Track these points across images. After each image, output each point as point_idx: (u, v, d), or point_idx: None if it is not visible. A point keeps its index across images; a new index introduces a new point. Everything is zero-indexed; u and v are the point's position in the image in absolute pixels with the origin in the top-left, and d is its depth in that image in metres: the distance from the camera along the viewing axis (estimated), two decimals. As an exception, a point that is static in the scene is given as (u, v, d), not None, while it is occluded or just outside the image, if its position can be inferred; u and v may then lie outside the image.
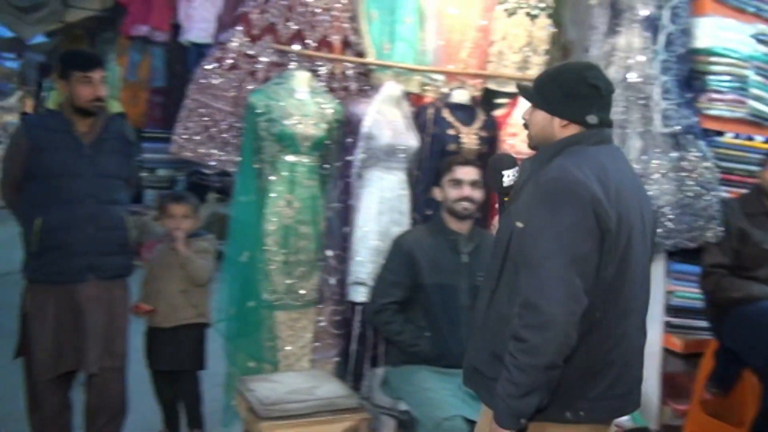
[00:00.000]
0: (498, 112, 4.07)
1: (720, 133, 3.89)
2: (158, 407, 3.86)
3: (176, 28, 7.08)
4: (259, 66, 3.56)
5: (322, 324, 3.73)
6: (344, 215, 3.72)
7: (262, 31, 3.57)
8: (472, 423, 2.68)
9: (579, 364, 2.05)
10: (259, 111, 3.45)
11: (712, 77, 3.79)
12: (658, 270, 3.75)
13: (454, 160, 3.47)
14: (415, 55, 3.87)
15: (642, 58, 3.63)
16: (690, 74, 3.76)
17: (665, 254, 3.85)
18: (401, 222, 3.70)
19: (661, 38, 3.67)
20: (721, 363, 3.63)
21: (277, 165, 3.56)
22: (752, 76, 3.85)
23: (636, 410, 2.26)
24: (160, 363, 3.75)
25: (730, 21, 3.83)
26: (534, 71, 3.92)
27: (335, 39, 3.77)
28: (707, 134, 3.81)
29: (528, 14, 3.99)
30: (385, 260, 3.43)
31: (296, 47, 3.66)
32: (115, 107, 3.46)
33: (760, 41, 3.91)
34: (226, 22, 3.76)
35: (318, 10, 3.69)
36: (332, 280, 3.69)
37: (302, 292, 3.67)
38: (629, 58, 3.64)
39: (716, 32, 3.78)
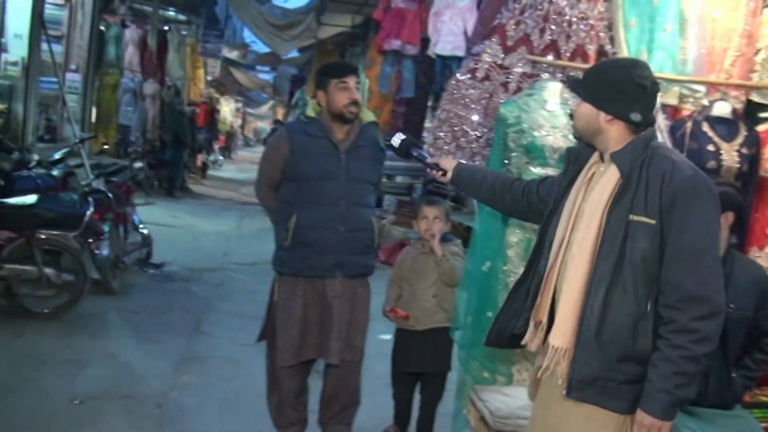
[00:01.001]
0: (761, 127, 3.71)
1: None
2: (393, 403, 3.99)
3: (425, 42, 7.38)
4: (512, 77, 3.54)
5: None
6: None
7: (516, 42, 3.56)
8: None
9: None
10: (509, 122, 3.41)
11: None
12: None
13: None
14: (674, 64, 3.65)
15: None
16: None
17: None
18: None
19: None
20: None
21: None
22: None
23: None
24: (406, 364, 3.87)
25: None
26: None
27: (590, 48, 3.65)
28: None
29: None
30: None
31: (550, 58, 3.59)
32: (369, 116, 3.57)
33: None
34: (480, 33, 3.77)
35: (574, 20, 3.60)
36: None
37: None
38: None
39: None
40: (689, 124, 3.59)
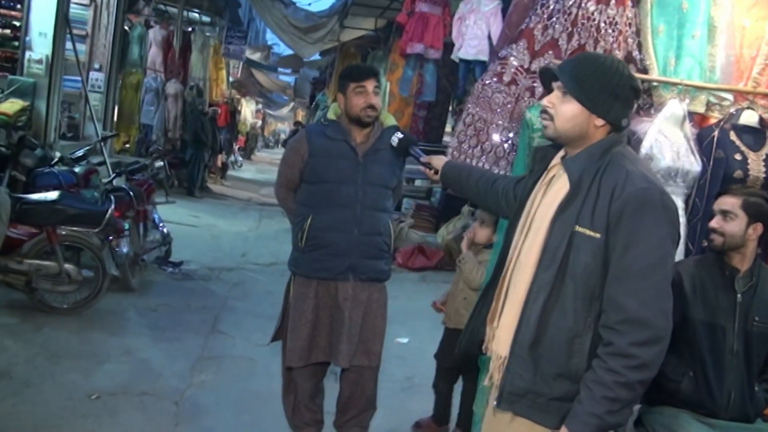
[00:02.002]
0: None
1: None
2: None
3: (447, 46, 7.38)
4: (538, 81, 3.50)
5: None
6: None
7: (543, 46, 3.53)
8: None
9: None
10: (535, 126, 3.37)
11: None
12: None
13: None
14: (702, 71, 3.60)
15: None
16: None
17: None
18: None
19: None
20: None
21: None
22: None
23: None
24: (446, 360, 4.01)
25: None
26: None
27: (618, 54, 3.60)
28: None
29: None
30: None
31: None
32: (390, 120, 3.56)
33: None
34: (507, 37, 3.75)
35: (602, 25, 3.56)
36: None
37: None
38: None
39: None
40: (716, 133, 3.54)
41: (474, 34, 6.33)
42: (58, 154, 7.39)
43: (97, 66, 11.91)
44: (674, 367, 2.95)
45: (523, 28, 3.54)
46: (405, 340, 5.74)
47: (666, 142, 3.39)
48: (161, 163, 8.25)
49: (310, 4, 12.69)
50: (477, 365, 3.87)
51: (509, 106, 3.52)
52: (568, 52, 3.53)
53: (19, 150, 6.62)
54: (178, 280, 7.19)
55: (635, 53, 3.63)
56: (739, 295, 2.94)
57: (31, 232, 5.39)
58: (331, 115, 3.51)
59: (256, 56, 19.71)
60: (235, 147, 22.80)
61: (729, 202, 2.99)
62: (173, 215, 9.30)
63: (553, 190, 2.15)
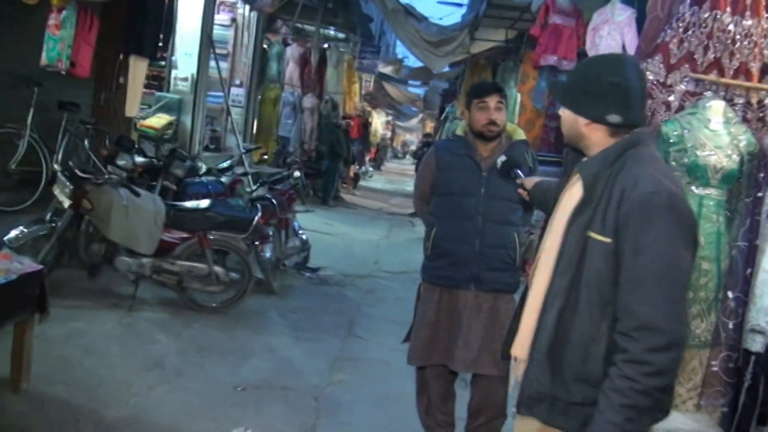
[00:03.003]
0: None
1: None
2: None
3: (580, 56, 7.32)
4: (674, 95, 3.50)
5: (714, 369, 3.50)
6: (749, 255, 3.43)
7: (679, 60, 3.52)
8: None
9: None
10: (671, 140, 3.39)
11: None
12: None
13: None
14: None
15: None
16: None
17: None
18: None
19: None
20: None
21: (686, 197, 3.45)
22: None
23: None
24: None
25: None
26: None
27: (753, 66, 3.55)
28: None
29: None
30: None
31: (713, 76, 3.53)
32: (519, 134, 3.65)
33: None
34: (643, 52, 3.76)
35: (738, 37, 3.52)
36: (730, 324, 3.44)
37: (697, 331, 3.51)
38: None
39: None
40: None
41: (608, 45, 6.26)
42: (203, 165, 7.96)
43: (238, 82, 12.65)
44: None
45: (659, 42, 3.54)
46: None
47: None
48: (298, 174, 8.67)
49: (441, 19, 12.88)
50: None
51: (645, 120, 3.51)
52: (704, 66, 3.51)
53: (170, 161, 7.22)
54: (315, 284, 7.55)
55: (773, 64, 3.56)
56: None
57: (184, 236, 5.84)
58: (459, 131, 3.67)
59: (387, 69, 20.15)
60: (367, 158, 23.38)
61: None
62: (309, 223, 9.72)
63: (569, 195, 2.19)
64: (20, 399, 3.81)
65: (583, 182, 2.11)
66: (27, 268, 3.87)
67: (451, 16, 13.38)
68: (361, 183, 20.24)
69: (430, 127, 31.11)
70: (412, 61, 19.53)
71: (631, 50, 5.87)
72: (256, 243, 6.13)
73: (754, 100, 3.60)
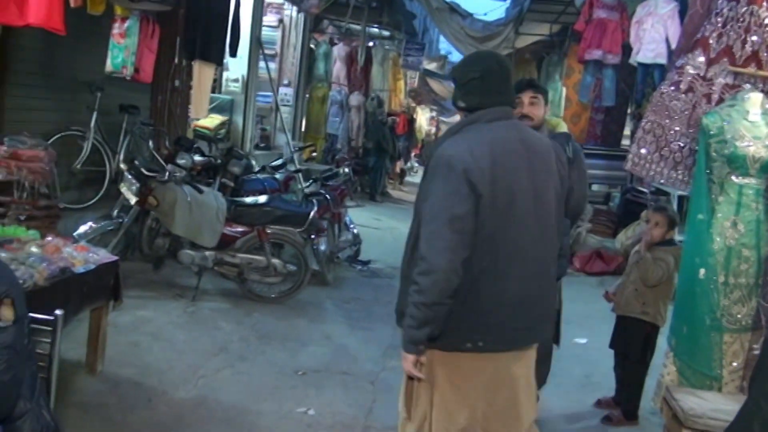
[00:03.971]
0: None
1: None
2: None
3: (625, 49, 7.40)
4: (714, 88, 3.63)
5: (755, 352, 3.62)
6: (789, 241, 3.55)
7: (718, 53, 3.64)
8: None
9: (473, 305, 2.49)
10: (711, 132, 3.51)
11: None
12: None
13: None
14: None
15: None
16: None
17: None
18: None
19: None
20: None
21: (724, 186, 3.59)
22: None
23: (548, 342, 2.79)
24: (612, 342, 4.43)
25: None
26: None
27: (788, 59, 3.65)
28: None
29: None
30: None
31: (752, 68, 3.64)
32: (562, 127, 3.81)
33: None
34: (683, 47, 3.88)
35: (774, 30, 3.62)
36: (770, 307, 3.56)
37: (738, 315, 3.64)
38: None
39: None
40: None
41: (652, 37, 6.35)
42: (255, 163, 8.27)
43: (286, 82, 12.97)
44: None
45: (699, 37, 3.66)
46: (583, 341, 5.91)
47: None
48: (347, 170, 8.91)
49: (486, 14, 12.97)
50: (633, 354, 4.18)
51: (687, 113, 3.65)
52: (742, 59, 3.63)
53: (228, 160, 7.53)
54: (366, 276, 7.80)
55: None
56: None
57: (244, 230, 6.12)
58: None
59: (432, 66, 20.25)
60: (412, 154, 23.55)
61: None
62: (358, 218, 9.93)
63: None
64: (96, 380, 4.11)
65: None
66: (103, 258, 4.16)
67: (495, 12, 13.42)
68: (407, 178, 20.44)
69: (474, 122, 30.96)
70: (456, 57, 19.57)
71: (674, 42, 5.94)
72: (312, 236, 6.39)
73: (791, 92, 3.69)
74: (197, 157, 7.29)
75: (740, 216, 3.57)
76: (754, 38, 3.63)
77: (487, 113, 2.60)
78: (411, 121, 21.44)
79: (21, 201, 5.24)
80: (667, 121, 3.68)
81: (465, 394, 2.60)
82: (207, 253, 5.95)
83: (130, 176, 5.84)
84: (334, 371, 4.81)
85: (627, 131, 11.92)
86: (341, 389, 4.51)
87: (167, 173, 5.95)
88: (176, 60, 7.43)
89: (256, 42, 10.23)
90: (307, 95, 13.99)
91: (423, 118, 30.26)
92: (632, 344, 4.22)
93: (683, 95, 3.66)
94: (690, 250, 3.75)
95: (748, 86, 3.63)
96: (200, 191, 5.95)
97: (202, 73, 6.51)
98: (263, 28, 11.04)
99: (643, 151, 3.72)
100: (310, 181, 8.01)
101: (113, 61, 6.45)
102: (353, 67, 14.76)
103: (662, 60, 6.45)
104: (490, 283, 2.51)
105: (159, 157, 6.77)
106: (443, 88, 26.29)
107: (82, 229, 5.56)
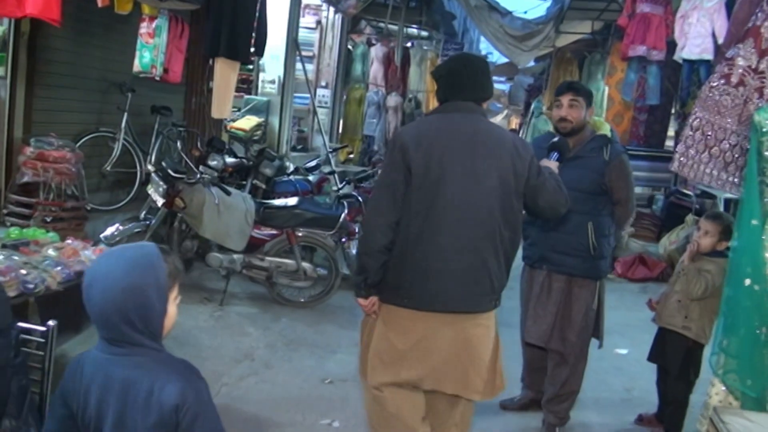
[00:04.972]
0: None
1: None
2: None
3: (669, 46, 7.10)
4: (767, 81, 3.35)
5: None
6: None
7: (772, 44, 3.37)
8: None
9: (404, 266, 2.87)
10: (764, 129, 3.22)
11: None
12: None
13: None
14: None
15: None
16: None
17: None
18: None
19: None
20: None
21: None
22: None
23: (463, 309, 2.92)
24: (651, 354, 4.18)
25: None
26: None
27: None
28: None
29: None
30: None
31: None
32: (605, 128, 3.73)
33: None
34: (734, 37, 3.62)
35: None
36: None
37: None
38: None
39: None
40: None
41: (697, 32, 6.04)
42: (291, 165, 8.15)
43: (323, 83, 12.89)
44: None
45: (750, 26, 3.38)
46: (624, 351, 5.66)
47: None
48: (382, 172, 8.73)
49: (526, 12, 12.68)
50: (672, 368, 4.00)
51: (738, 108, 3.38)
52: (797, 50, 3.35)
53: (260, 161, 7.43)
54: (398, 281, 7.58)
55: None
56: None
57: (273, 233, 6.02)
58: (550, 127, 3.90)
59: (471, 66, 20.06)
60: (450, 156, 23.26)
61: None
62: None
63: None
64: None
65: None
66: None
67: (535, 10, 13.13)
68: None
69: (515, 123, 30.75)
70: (496, 57, 19.31)
71: (720, 37, 5.65)
72: (343, 239, 6.24)
73: None
74: (229, 159, 7.21)
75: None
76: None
77: (448, 105, 3.01)
78: (450, 123, 21.19)
79: (48, 202, 5.21)
80: (717, 117, 3.41)
81: (396, 342, 2.97)
82: (235, 256, 5.86)
83: (157, 178, 5.76)
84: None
85: (671, 132, 11.55)
86: (368, 400, 4.33)
87: (197, 175, 5.86)
88: (210, 61, 7.36)
89: (293, 43, 10.15)
90: (345, 96, 13.89)
91: (462, 119, 29.91)
92: (672, 360, 3.96)
93: (734, 89, 3.38)
94: (740, 258, 3.46)
95: (805, 79, 3.34)
96: (228, 193, 5.84)
97: (223, 72, 6.39)
98: (300, 30, 10.96)
99: (691, 150, 3.45)
100: (343, 183, 7.87)
101: (141, 61, 6.38)
102: (391, 67, 14.61)
103: (708, 56, 6.14)
104: (418, 249, 2.85)
105: (188, 159, 6.70)
106: (483, 90, 26.02)
107: (109, 231, 5.50)
